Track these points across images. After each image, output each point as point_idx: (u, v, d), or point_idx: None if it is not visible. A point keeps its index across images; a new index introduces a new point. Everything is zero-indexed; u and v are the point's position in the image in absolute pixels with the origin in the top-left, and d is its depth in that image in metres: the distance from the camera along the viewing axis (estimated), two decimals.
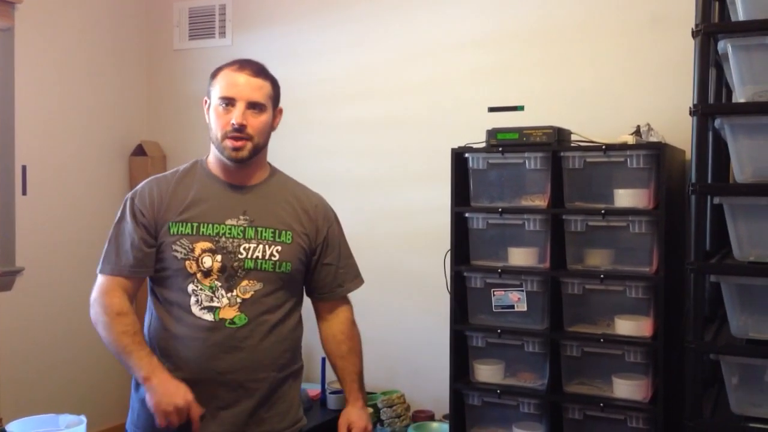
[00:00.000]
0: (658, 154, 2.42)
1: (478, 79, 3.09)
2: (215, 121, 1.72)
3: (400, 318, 3.24)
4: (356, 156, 3.34)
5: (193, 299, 1.69)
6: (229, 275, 1.70)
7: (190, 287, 1.69)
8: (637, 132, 2.61)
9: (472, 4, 3.11)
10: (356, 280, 1.91)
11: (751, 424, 1.93)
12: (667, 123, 2.64)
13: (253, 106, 1.71)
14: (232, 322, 1.69)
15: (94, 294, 1.72)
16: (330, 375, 3.22)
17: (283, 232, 1.76)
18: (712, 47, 1.93)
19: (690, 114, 1.92)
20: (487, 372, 2.68)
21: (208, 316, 1.69)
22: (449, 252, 2.70)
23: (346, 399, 1.85)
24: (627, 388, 2.46)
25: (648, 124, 2.63)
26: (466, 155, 2.67)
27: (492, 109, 3.01)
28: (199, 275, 1.69)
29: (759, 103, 1.87)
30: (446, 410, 2.82)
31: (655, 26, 2.78)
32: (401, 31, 3.25)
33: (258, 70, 1.75)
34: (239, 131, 1.69)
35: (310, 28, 3.42)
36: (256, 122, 1.71)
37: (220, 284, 1.70)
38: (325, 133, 3.40)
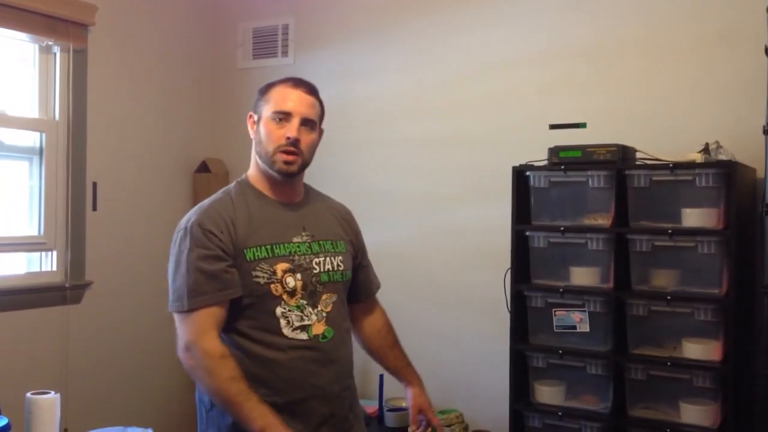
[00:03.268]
0: (728, 172, 2.35)
1: (539, 97, 3.05)
2: (267, 135, 1.74)
3: (459, 336, 3.21)
4: (415, 174, 3.33)
5: (283, 321, 1.70)
6: (311, 292, 1.74)
7: (279, 310, 1.69)
8: (706, 150, 2.53)
9: (531, 20, 3.08)
10: (377, 278, 2.03)
11: None
12: (736, 141, 2.56)
13: (307, 122, 1.76)
14: (324, 336, 1.74)
15: (189, 336, 1.62)
16: (387, 392, 3.21)
17: (339, 242, 1.84)
18: None
19: (763, 132, 1.86)
20: (548, 393, 2.63)
21: (303, 335, 1.71)
22: (509, 270, 2.67)
23: (407, 381, 1.96)
24: (695, 414, 2.39)
25: (717, 142, 2.55)
26: (528, 173, 2.65)
27: (553, 126, 2.96)
28: (285, 296, 1.70)
29: None
30: (506, 431, 2.77)
31: (723, 42, 2.70)
32: (459, 49, 3.24)
33: (312, 89, 1.81)
34: (294, 145, 1.72)
35: (370, 47, 3.44)
36: (308, 138, 1.76)
37: (305, 302, 1.73)
38: (384, 151, 3.41)
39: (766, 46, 1.86)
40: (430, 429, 1.92)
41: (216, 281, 1.65)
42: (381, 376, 3.13)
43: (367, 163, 3.44)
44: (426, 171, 3.31)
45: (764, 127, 1.87)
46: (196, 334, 1.63)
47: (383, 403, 3.20)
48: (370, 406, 3.18)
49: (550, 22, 3.05)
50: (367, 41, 3.46)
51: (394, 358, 1.97)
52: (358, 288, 1.93)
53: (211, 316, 1.64)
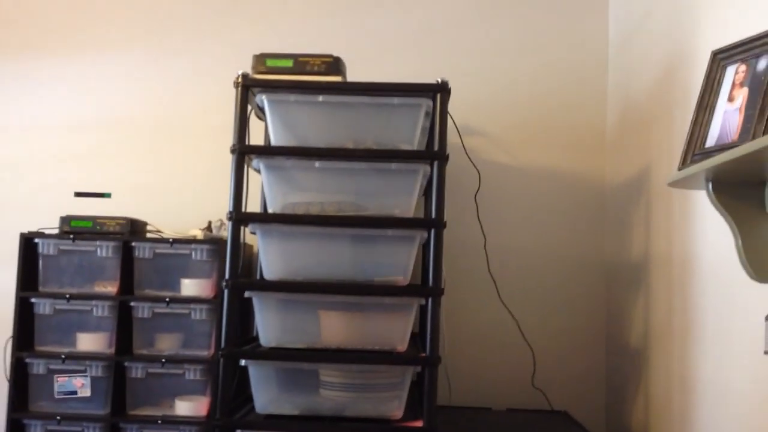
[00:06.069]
0: (221, 248, 2.70)
1: (65, 163, 3.10)
2: None
3: None
4: None
5: None
6: None
7: None
8: (209, 227, 2.87)
9: (64, 86, 3.13)
10: None
11: None
12: None
13: None
14: None
15: None
16: None
17: None
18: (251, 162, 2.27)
19: (227, 219, 2.22)
20: None
21: None
22: (11, 338, 2.63)
23: None
24: None
25: (221, 220, 2.91)
26: (36, 240, 2.67)
27: (78, 194, 3.05)
28: None
29: (281, 214, 2.24)
30: None
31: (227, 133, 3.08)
32: None
33: None
34: None
35: None
36: None
37: None
38: None
39: (230, 147, 2.24)
40: None
41: None
42: None
43: None
44: None
45: (227, 213, 2.23)
46: None
47: None
48: None
49: (80, 90, 3.13)
50: None
51: None
52: None
53: None
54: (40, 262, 2.69)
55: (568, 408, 2.87)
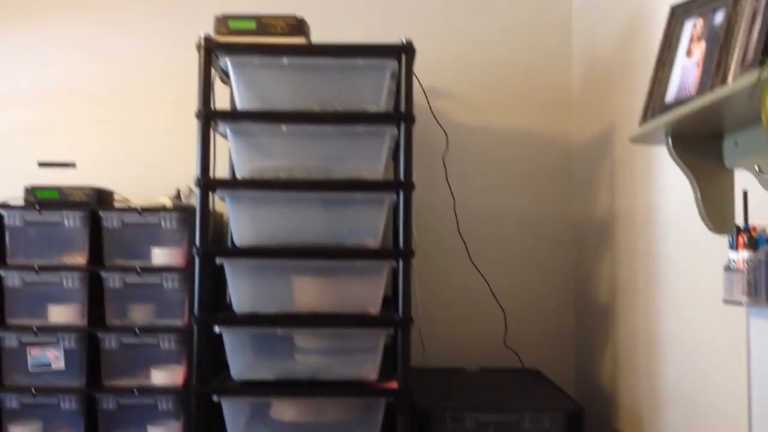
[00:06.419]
0: (190, 216, 2.68)
1: (27, 134, 3.05)
2: None
3: None
4: None
5: None
6: None
7: None
8: (177, 195, 2.85)
9: (23, 55, 3.07)
10: None
11: None
12: None
13: None
14: None
15: None
16: None
17: None
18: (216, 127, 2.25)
19: (195, 185, 2.20)
20: None
21: None
22: None
23: None
24: None
25: (189, 187, 2.89)
26: (1, 212, 2.63)
27: (42, 164, 3.00)
28: None
29: (250, 180, 2.24)
30: None
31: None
32: None
33: None
34: None
35: None
36: None
37: None
38: None
39: (195, 112, 2.21)
40: None
41: None
42: None
43: None
44: None
45: (195, 180, 2.22)
46: None
47: None
48: None
49: (42, 59, 3.07)
50: None
51: None
52: None
53: None
54: (6, 234, 2.65)
55: (539, 366, 2.92)
